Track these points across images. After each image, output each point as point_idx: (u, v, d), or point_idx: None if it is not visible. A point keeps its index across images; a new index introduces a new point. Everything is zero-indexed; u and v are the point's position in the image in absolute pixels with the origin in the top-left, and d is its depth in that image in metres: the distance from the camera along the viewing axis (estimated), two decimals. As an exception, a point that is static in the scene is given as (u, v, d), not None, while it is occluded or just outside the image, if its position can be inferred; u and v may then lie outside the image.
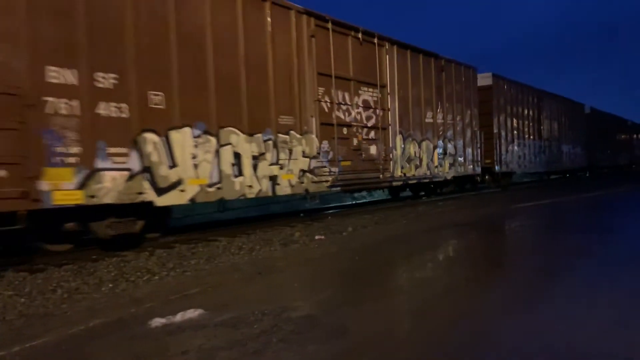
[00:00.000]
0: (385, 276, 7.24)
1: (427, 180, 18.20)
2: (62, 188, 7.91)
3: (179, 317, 5.39)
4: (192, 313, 5.50)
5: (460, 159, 19.95)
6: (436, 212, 15.38)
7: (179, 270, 7.94)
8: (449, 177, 19.27)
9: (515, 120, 25.44)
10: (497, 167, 23.23)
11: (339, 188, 14.05)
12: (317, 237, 10.91)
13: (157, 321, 5.28)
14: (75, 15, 8.15)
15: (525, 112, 26.67)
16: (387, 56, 15.88)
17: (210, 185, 10.46)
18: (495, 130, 23.24)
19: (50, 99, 7.77)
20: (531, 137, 27.41)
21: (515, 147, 25.43)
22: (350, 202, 20.85)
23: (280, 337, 4.69)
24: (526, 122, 26.79)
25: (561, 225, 12.47)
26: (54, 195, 7.81)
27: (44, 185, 7.72)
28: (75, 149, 8.05)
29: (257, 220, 14.13)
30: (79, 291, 6.79)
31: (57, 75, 7.84)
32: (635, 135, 51.28)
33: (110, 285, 7.08)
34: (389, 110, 15.91)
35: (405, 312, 5.55)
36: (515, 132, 25.41)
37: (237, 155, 11.00)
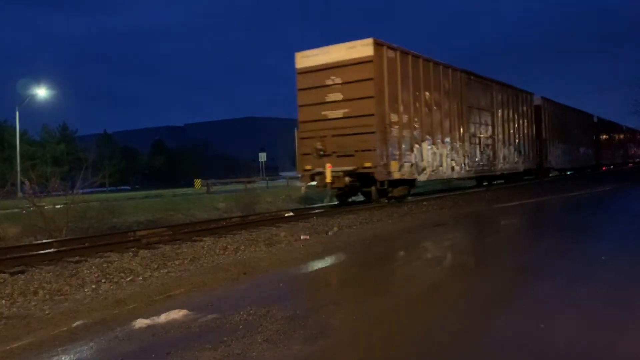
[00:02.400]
0: (369, 275, 7.27)
1: (514, 171, 26.73)
2: (394, 170, 16.67)
3: (163, 318, 5.36)
4: (176, 314, 5.46)
5: (526, 157, 28.30)
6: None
7: (163, 270, 7.88)
8: (521, 170, 27.58)
9: (560, 130, 33.71)
10: (546, 164, 31.11)
11: (473, 174, 22.73)
12: (302, 237, 10.90)
13: (141, 322, 5.23)
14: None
15: (568, 125, 35.98)
16: (495, 92, 24.78)
17: (433, 170, 19.00)
18: (544, 137, 30.76)
19: (390, 128, 16.61)
20: (564, 142, 34.90)
21: (558, 150, 33.59)
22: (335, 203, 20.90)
23: (265, 337, 4.68)
24: (567, 130, 35.41)
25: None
26: (393, 174, 16.62)
27: (391, 168, 16.49)
28: (396, 152, 16.87)
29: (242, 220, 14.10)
30: (60, 292, 6.71)
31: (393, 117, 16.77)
32: (604, 134, 48.54)
33: (93, 286, 7.01)
34: (494, 126, 24.36)
35: (387, 311, 5.57)
36: (558, 139, 33.38)
37: (441, 154, 19.63)
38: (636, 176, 33.19)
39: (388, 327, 4.97)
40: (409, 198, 18.80)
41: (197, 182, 33.36)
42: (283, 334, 4.76)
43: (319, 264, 8.36)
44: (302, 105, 17.56)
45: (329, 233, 11.60)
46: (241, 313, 5.43)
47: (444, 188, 24.10)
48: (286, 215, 15.01)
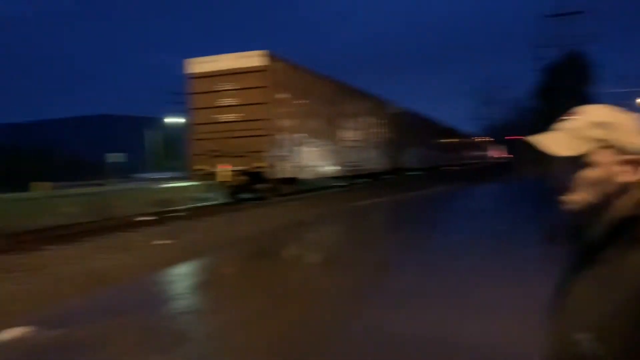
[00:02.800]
0: (229, 280, 7.22)
1: (377, 171, 28.87)
2: (282, 170, 17.86)
3: (2, 336, 4.82)
4: (17, 331, 4.93)
5: (387, 158, 30.35)
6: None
7: (0, 284, 7.08)
8: (382, 169, 29.78)
9: (412, 135, 35.98)
10: (402, 165, 33.43)
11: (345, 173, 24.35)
12: (160, 242, 10.48)
13: (-28, 344, 4.66)
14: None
15: (419, 131, 38.50)
16: (361, 101, 27.24)
17: (313, 170, 20.51)
18: (400, 141, 32.57)
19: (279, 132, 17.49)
20: (416, 146, 37.27)
21: (411, 153, 35.72)
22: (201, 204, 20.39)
23: (119, 350, 4.43)
24: (418, 135, 38.12)
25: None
26: (281, 173, 17.53)
27: (279, 167, 17.67)
28: (284, 154, 18.17)
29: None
30: None
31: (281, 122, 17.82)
32: (446, 138, 53.72)
33: None
34: (361, 131, 27.06)
35: (247, 316, 5.58)
36: (411, 143, 35.59)
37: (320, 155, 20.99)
38: (472, 176, 36.90)
39: (249, 332, 4.98)
40: (282, 198, 19.08)
41: (40, 185, 30.36)
42: (139, 345, 4.55)
43: (177, 270, 8.10)
44: (195, 109, 18.29)
45: (190, 237, 11.30)
46: (91, 326, 5.07)
47: (315, 187, 24.50)
48: (142, 219, 14.34)
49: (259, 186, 17.70)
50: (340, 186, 25.96)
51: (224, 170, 17.16)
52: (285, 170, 18.22)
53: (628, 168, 1.05)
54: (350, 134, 24.89)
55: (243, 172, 17.26)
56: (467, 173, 45.91)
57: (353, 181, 26.99)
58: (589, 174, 1.07)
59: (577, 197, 1.08)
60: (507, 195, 22.13)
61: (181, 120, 63.26)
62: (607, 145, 1.06)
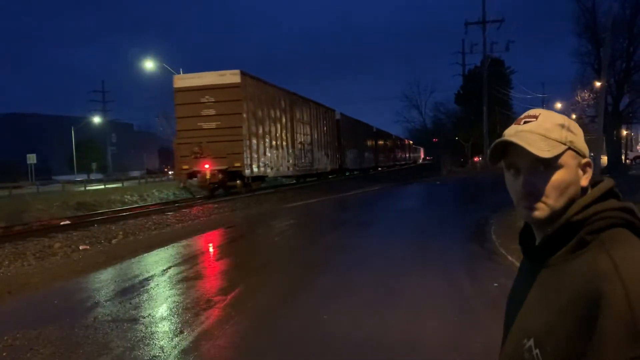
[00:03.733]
0: (155, 286, 7.00)
1: (324, 171, 32.70)
2: (254, 168, 21.24)
3: None
4: None
5: (332, 160, 34.57)
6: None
7: None
8: (329, 169, 33.84)
9: (352, 139, 39.64)
10: (344, 165, 36.82)
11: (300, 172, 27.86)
12: (81, 247, 9.99)
13: None
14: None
15: (358, 135, 41.89)
16: (311, 109, 30.31)
17: (277, 169, 24.17)
18: (342, 144, 36.16)
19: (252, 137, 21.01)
20: (356, 148, 41.04)
21: (352, 155, 38.76)
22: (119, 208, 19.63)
23: (36, 362, 4.18)
24: (357, 139, 41.51)
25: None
26: (254, 171, 21.01)
27: (253, 167, 20.90)
28: (255, 155, 21.48)
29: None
30: None
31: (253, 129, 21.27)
32: (380, 141, 57.48)
33: None
34: (312, 135, 30.11)
35: (159, 323, 5.44)
36: (351, 146, 39.15)
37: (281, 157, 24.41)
38: (399, 177, 37.96)
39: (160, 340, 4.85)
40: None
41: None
42: (59, 356, 4.31)
43: (100, 276, 7.75)
44: (180, 117, 21.42)
45: (113, 241, 10.86)
46: (5, 338, 4.75)
47: (265, 186, 26.06)
48: (62, 223, 13.61)
49: (235, 183, 21.04)
50: (291, 184, 28.70)
51: (210, 169, 20.28)
52: (255, 169, 21.88)
53: (583, 172, 1.04)
54: (302, 139, 28.58)
55: (221, 171, 20.37)
56: (397, 173, 47.32)
57: (305, 180, 30.73)
58: (561, 177, 1.01)
59: (550, 203, 1.02)
60: (433, 195, 22.92)
61: (100, 119, 60.95)
62: (573, 148, 1.03)
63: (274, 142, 24.09)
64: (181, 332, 4.90)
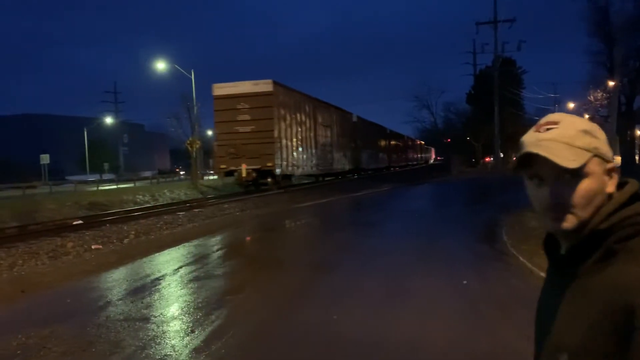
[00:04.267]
0: (167, 286, 7.06)
1: (342, 170, 34.71)
2: (284, 168, 23.35)
3: None
4: None
5: (349, 160, 36.37)
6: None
7: None
8: (346, 169, 35.41)
9: (367, 140, 41.03)
10: (360, 165, 38.91)
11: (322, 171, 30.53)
12: (93, 247, 10.09)
13: None
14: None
15: (372, 136, 43.61)
16: (331, 113, 32.30)
17: (303, 169, 26.44)
18: (359, 145, 37.61)
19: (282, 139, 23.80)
20: (370, 149, 42.24)
21: (367, 155, 40.51)
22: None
23: (49, 360, 4.23)
24: (371, 140, 42.71)
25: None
26: (284, 170, 23.51)
27: (283, 166, 23.14)
28: (285, 156, 23.74)
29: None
30: None
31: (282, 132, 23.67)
32: (393, 142, 58.48)
33: None
34: (332, 137, 32.33)
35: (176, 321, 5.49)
36: (366, 147, 40.10)
37: (306, 157, 26.61)
38: (411, 177, 37.87)
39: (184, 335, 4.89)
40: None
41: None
42: (71, 355, 4.36)
43: (112, 275, 7.82)
44: (218, 122, 23.96)
45: (125, 241, 10.95)
46: (19, 337, 4.82)
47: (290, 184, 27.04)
48: (75, 223, 13.74)
49: (266, 180, 23.35)
50: (310, 182, 30.36)
51: (246, 168, 22.69)
52: (285, 168, 24.27)
53: (608, 177, 1.00)
54: (324, 140, 31.03)
55: (255, 170, 22.83)
56: (409, 173, 47.28)
57: (323, 179, 32.46)
58: (588, 186, 0.97)
59: (578, 214, 0.97)
60: (443, 195, 22.83)
61: (112, 120, 61.38)
62: (598, 154, 0.98)
63: (300, 144, 26.54)
64: (192, 331, 4.94)
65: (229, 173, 23.52)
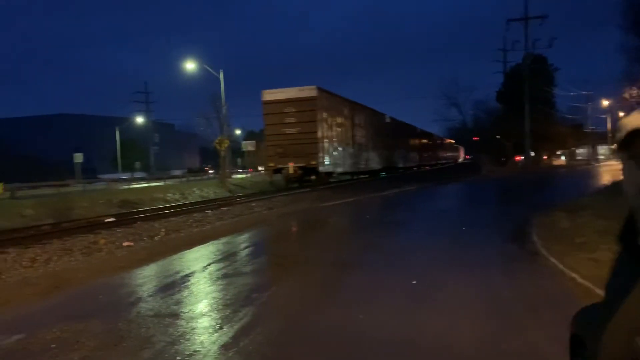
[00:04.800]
0: (195, 282, 7.16)
1: (376, 169, 36.57)
2: (327, 166, 26.44)
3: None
4: (-27, 338, 4.79)
5: (383, 159, 37.70)
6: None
7: (-45, 289, 6.83)
8: (380, 167, 36.94)
9: (399, 139, 43.25)
10: (393, 164, 40.93)
11: (358, 169, 32.55)
12: (125, 244, 10.30)
13: None
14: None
15: (404, 135, 45.03)
16: (366, 115, 34.40)
17: (342, 167, 28.96)
18: (392, 144, 39.61)
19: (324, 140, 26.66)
20: (403, 148, 44.13)
21: (400, 154, 42.23)
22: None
23: (83, 354, 4.34)
24: (403, 139, 44.32)
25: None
26: (326, 168, 26.64)
27: (325, 164, 25.99)
28: (327, 155, 26.67)
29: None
30: None
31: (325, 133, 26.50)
32: (423, 141, 58.88)
33: None
34: (367, 138, 34.82)
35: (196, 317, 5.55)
36: (399, 146, 42.52)
37: (345, 156, 29.04)
38: (440, 175, 37.53)
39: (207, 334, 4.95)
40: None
41: (-1, 186, 29.38)
42: (103, 349, 4.46)
43: (143, 272, 7.97)
44: (267, 124, 26.97)
45: (155, 238, 11.14)
46: (53, 330, 4.95)
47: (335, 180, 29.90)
48: (107, 220, 14.05)
49: (311, 177, 26.10)
50: (345, 180, 32.00)
51: (293, 166, 25.33)
52: (327, 166, 27.07)
53: None
54: (360, 140, 33.31)
55: (300, 168, 25.47)
56: (439, 172, 46.96)
57: (358, 177, 34.52)
58: None
59: None
60: (473, 194, 22.56)
61: (143, 120, 62.45)
62: None
63: (339, 144, 29.21)
64: (221, 327, 5.00)
65: (277, 170, 26.27)
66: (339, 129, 29.09)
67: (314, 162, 25.42)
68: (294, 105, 25.64)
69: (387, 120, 40.72)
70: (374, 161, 36.10)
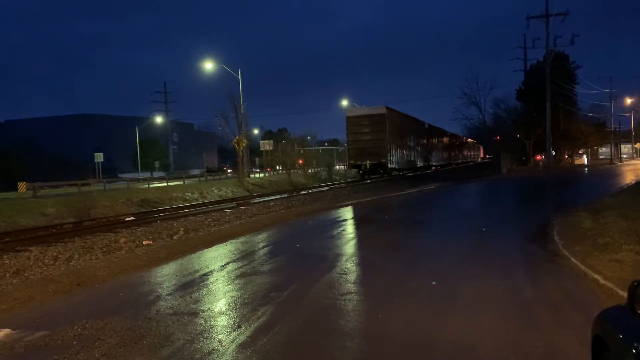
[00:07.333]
0: (215, 281, 7.20)
1: (416, 166, 44.51)
2: (392, 163, 37.30)
3: (-21, 340, 4.74)
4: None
5: (422, 159, 46.09)
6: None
7: (-20, 286, 6.97)
8: (420, 165, 46.02)
9: (433, 142, 50.58)
10: (428, 163, 48.54)
11: (409, 166, 42.31)
12: (144, 242, 10.41)
13: (-49, 347, 4.58)
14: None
15: (435, 137, 52.57)
16: (409, 123, 42.17)
17: (401, 165, 40.16)
18: (428, 146, 47.59)
19: (391, 145, 37.04)
20: (435, 149, 52.24)
21: (433, 154, 50.16)
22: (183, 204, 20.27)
23: (104, 351, 4.39)
24: (435, 141, 52.22)
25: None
26: (392, 165, 37.22)
27: (392, 162, 36.83)
28: (393, 156, 37.03)
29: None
30: None
31: (391, 140, 36.80)
32: (451, 141, 61.70)
33: None
34: (412, 141, 43.34)
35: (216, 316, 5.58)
36: (433, 147, 50.04)
37: (402, 157, 39.95)
38: (464, 174, 37.32)
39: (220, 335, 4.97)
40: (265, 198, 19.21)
41: (22, 185, 29.86)
42: (124, 346, 4.51)
43: (162, 270, 8.05)
44: (349, 133, 36.49)
45: (174, 237, 11.24)
46: (75, 327, 5.03)
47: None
48: (126, 219, 14.22)
49: (381, 171, 35.41)
50: (398, 175, 38.84)
51: (369, 163, 34.51)
52: (392, 164, 36.09)
53: None
54: (409, 144, 42.05)
55: (373, 164, 34.65)
56: (462, 170, 47.10)
57: (406, 172, 41.77)
58: None
59: None
60: (493, 193, 22.34)
61: (162, 120, 63.01)
62: None
63: (398, 147, 38.12)
64: (239, 326, 5.02)
65: (356, 166, 35.80)
66: (398, 137, 38.03)
67: (383, 160, 34.97)
68: (368, 119, 35.36)
69: (426, 126, 49.11)
70: (417, 160, 45.30)
